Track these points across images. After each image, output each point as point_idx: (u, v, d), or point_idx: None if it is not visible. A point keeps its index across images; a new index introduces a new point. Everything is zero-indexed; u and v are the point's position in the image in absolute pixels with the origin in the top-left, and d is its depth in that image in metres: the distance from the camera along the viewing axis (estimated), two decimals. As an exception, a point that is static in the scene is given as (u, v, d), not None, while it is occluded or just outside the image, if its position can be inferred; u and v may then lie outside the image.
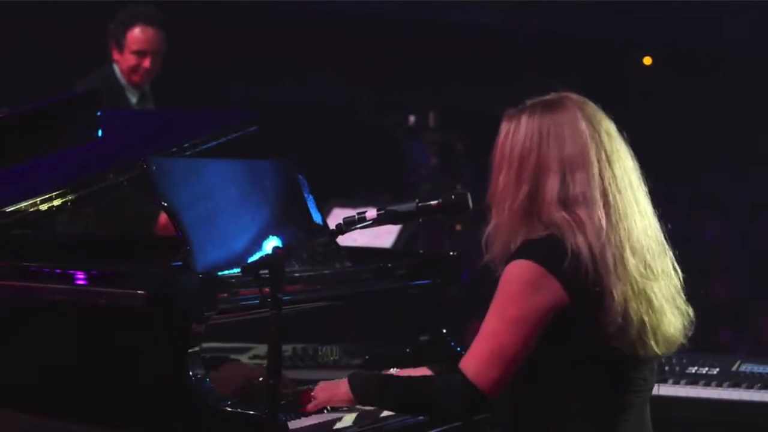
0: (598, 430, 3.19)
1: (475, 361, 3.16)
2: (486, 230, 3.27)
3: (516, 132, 3.23)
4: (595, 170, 3.16)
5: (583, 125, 3.20)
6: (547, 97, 3.29)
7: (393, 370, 3.60)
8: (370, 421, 3.54)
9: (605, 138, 3.21)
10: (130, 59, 6.23)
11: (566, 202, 3.16)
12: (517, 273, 3.14)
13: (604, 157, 3.18)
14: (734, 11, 9.14)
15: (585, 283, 3.11)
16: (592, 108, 3.26)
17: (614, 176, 3.18)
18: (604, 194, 3.16)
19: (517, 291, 3.13)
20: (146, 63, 6.24)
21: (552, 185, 3.17)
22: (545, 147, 3.19)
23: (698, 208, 9.68)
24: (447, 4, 9.70)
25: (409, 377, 3.39)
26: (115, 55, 6.27)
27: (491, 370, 3.14)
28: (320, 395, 3.45)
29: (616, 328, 3.11)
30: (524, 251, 3.16)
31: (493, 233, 3.26)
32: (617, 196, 3.17)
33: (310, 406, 3.46)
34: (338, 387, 3.41)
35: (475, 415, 3.28)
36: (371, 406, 3.45)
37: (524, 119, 3.23)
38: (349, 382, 3.37)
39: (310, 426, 3.43)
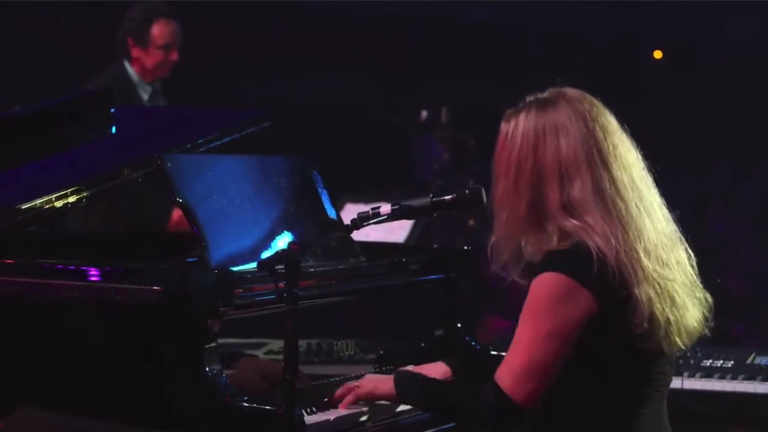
0: (617, 425, 3.18)
1: (510, 374, 3.14)
2: (490, 240, 3.24)
3: (513, 135, 3.20)
4: (591, 175, 3.12)
5: (576, 126, 3.15)
6: (543, 95, 3.25)
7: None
8: (385, 417, 3.55)
9: (600, 135, 3.16)
10: (156, 55, 6.23)
11: (570, 210, 3.13)
12: (546, 286, 3.11)
13: (599, 158, 3.14)
14: (738, 8, 9.13)
15: (613, 289, 3.09)
16: (589, 103, 3.21)
17: (612, 177, 3.14)
18: (603, 199, 3.12)
19: (549, 305, 3.10)
20: (174, 56, 6.26)
21: (553, 193, 3.14)
22: (541, 151, 3.15)
23: (707, 202, 9.67)
24: (458, 3, 9.70)
25: (452, 384, 3.41)
26: (135, 53, 6.24)
27: (526, 383, 3.12)
28: (366, 385, 3.46)
29: (644, 329, 3.10)
30: (552, 263, 3.13)
31: (499, 242, 3.23)
32: (616, 199, 3.13)
33: (350, 398, 3.46)
34: (383, 381, 3.42)
35: (512, 427, 3.25)
36: (411, 404, 3.45)
37: (521, 120, 3.19)
38: (394, 377, 3.38)
39: (327, 421, 3.43)
